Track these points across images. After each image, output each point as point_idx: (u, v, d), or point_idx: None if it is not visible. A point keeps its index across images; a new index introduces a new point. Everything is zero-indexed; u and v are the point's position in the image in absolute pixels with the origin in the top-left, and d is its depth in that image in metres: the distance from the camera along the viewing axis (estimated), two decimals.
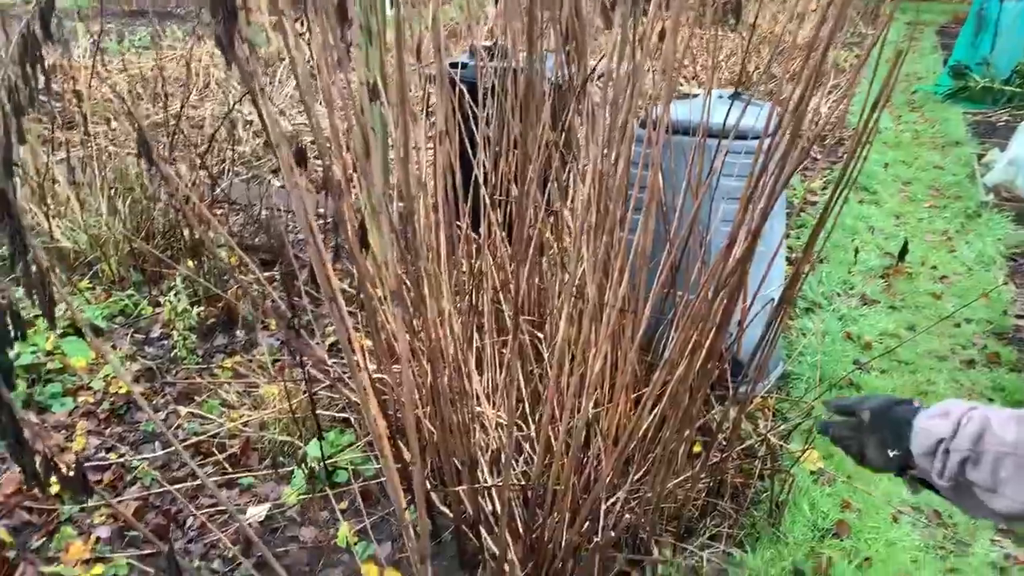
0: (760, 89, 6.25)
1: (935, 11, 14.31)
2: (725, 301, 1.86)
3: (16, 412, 1.50)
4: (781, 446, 2.33)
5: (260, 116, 1.67)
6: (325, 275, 1.55)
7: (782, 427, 2.46)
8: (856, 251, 3.84)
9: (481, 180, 2.48)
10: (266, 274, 3.51)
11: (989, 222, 4.27)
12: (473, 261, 2.51)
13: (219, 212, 3.82)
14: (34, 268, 1.69)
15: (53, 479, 1.68)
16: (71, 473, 1.60)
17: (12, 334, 1.59)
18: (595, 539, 1.86)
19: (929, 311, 3.44)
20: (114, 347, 2.90)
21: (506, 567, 1.88)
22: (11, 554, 2.00)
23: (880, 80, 1.76)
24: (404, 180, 1.85)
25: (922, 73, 8.53)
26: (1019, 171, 4.56)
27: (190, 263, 3.32)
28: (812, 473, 2.38)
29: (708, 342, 1.96)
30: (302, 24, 2.37)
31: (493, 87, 2.62)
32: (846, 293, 3.59)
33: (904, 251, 2.86)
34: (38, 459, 1.56)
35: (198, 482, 2.30)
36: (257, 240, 3.69)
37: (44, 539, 2.07)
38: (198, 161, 3.56)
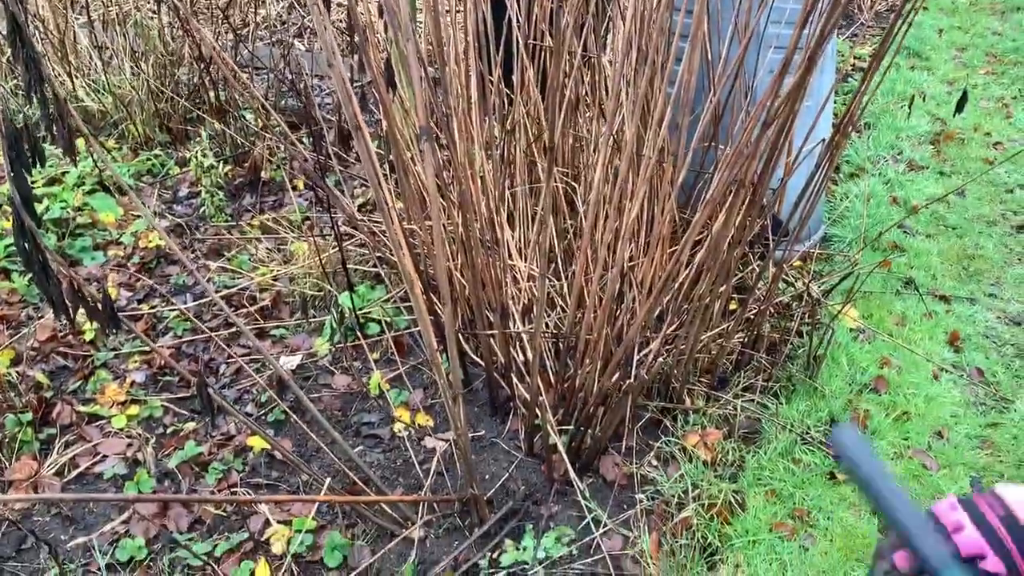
0: None
1: None
2: (771, 140, 1.76)
3: (40, 240, 1.48)
4: (820, 301, 2.27)
5: None
6: (352, 110, 1.47)
7: (822, 283, 2.40)
8: (912, 101, 3.65)
9: (514, 22, 2.35)
10: (294, 135, 3.44)
11: None
12: (505, 111, 2.41)
13: (244, 75, 3.72)
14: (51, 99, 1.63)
15: (82, 314, 1.67)
16: (99, 305, 1.59)
17: (32, 158, 1.55)
18: (627, 383, 1.84)
19: (980, 177, 3.29)
20: (143, 203, 2.87)
21: (537, 411, 1.87)
22: (48, 395, 2.03)
23: None
24: (433, 7, 1.75)
25: None
26: None
27: (216, 125, 3.25)
28: (851, 330, 2.32)
29: (751, 187, 1.88)
30: None
31: None
32: (894, 158, 3.44)
33: (963, 102, 2.71)
34: (64, 289, 1.55)
35: (230, 331, 2.30)
36: (284, 103, 3.61)
37: (80, 382, 2.10)
38: (222, 18, 3.44)
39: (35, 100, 1.59)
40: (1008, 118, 3.83)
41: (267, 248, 2.64)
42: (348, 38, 3.47)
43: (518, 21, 2.39)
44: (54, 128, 1.63)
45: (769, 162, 1.82)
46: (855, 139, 3.52)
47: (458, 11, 2.38)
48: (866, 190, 3.09)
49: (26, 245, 1.44)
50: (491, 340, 2.01)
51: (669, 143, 2.09)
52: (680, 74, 2.05)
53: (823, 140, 1.98)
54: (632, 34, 1.93)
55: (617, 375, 1.86)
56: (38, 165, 1.51)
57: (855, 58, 4.58)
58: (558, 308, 2.31)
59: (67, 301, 1.50)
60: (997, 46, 4.81)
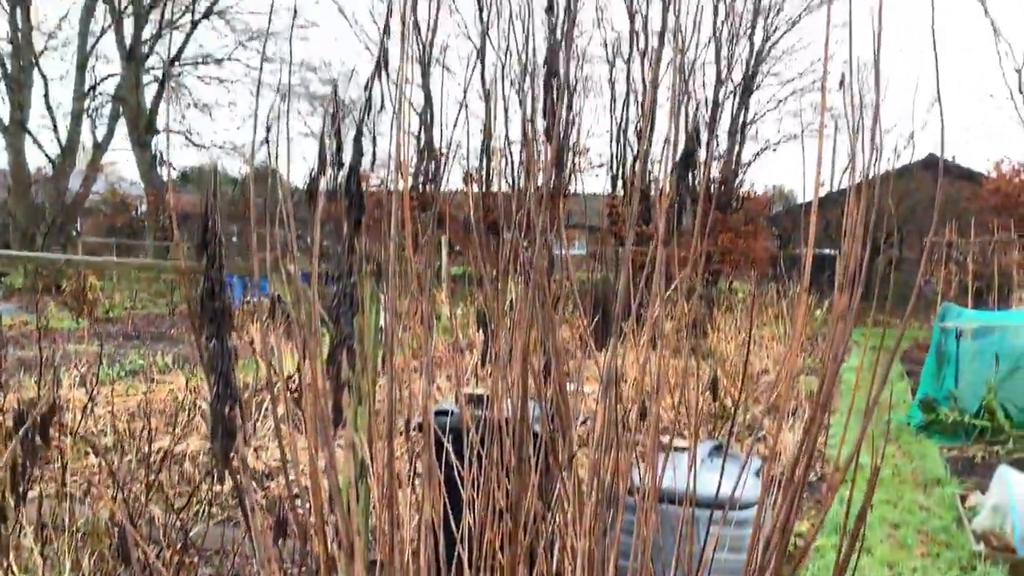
0: (740, 423, 6.40)
1: (896, 337, 15.10)
2: None
3: None
4: None
5: (246, 521, 1.65)
6: None
7: None
8: None
9: (465, 557, 2.40)
10: None
11: (986, 575, 4.15)
12: None
13: (188, 561, 3.65)
14: None
15: None
16: None
17: None
18: None
19: None
20: None
21: None
22: None
23: (856, 414, 1.81)
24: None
25: (893, 402, 8.79)
26: (1004, 518, 4.53)
27: None
28: None
29: None
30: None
31: (481, 441, 2.64)
32: None
33: None
34: None
35: None
36: None
37: None
38: (173, 516, 3.47)
39: None
40: None
41: None
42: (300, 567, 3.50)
43: (469, 558, 2.45)
44: None
45: None
46: None
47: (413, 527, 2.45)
48: None
49: None
50: None
51: None
52: None
53: None
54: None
55: None
56: None
57: (796, 535, 4.71)
58: None
59: None
60: (927, 523, 5.02)
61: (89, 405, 4.27)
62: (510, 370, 2.60)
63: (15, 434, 1.68)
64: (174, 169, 29.62)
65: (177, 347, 9.90)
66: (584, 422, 3.18)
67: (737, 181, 21.69)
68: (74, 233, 26.39)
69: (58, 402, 4.44)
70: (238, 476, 1.43)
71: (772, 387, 5.21)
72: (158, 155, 25.81)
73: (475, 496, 2.60)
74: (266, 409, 5.69)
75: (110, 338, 10.68)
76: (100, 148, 26.96)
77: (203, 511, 4.14)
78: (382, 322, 2.99)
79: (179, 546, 3.50)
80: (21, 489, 1.59)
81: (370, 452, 2.46)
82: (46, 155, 25.74)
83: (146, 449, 4.22)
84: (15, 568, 3.31)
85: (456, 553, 2.42)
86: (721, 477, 2.50)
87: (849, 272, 1.95)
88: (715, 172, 19.19)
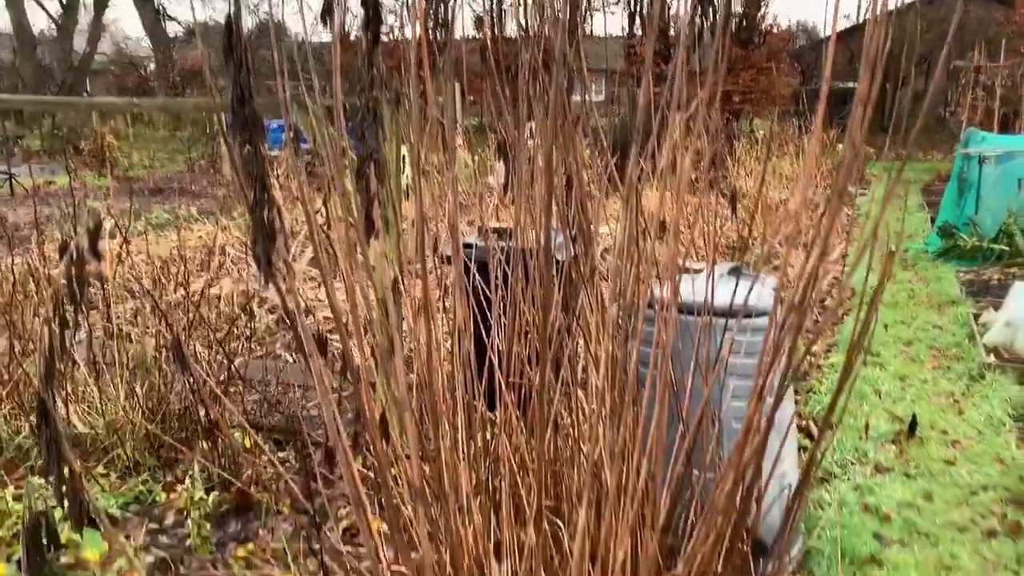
0: (757, 254, 6.48)
1: (917, 169, 14.97)
2: (743, 491, 1.89)
3: None
4: None
5: (293, 328, 1.76)
6: (352, 478, 1.59)
7: None
8: (867, 426, 3.87)
9: (496, 364, 2.55)
10: (280, 455, 3.53)
11: (993, 383, 4.32)
12: (489, 443, 2.54)
13: (234, 390, 3.88)
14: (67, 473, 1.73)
15: None
16: None
17: (47, 545, 1.62)
18: None
19: (943, 478, 3.42)
20: (128, 537, 2.88)
21: None
22: None
23: (876, 244, 1.86)
24: (427, 373, 1.92)
25: (911, 231, 8.82)
26: (1017, 331, 4.66)
27: (204, 445, 3.34)
28: None
29: (729, 531, 1.97)
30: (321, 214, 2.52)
31: (504, 272, 2.74)
32: (859, 461, 3.59)
33: (913, 425, 2.90)
34: None
35: None
36: (271, 419, 3.73)
37: None
38: (215, 345, 3.65)
39: (51, 476, 1.68)
40: (960, 414, 4.05)
41: None
42: (341, 375, 3.69)
43: (499, 361, 2.60)
44: (66, 504, 1.70)
45: (745, 510, 1.93)
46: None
47: (446, 348, 2.59)
48: (837, 497, 3.19)
49: None
50: None
51: (648, 486, 2.21)
52: (652, 425, 2.22)
53: (789, 484, 2.10)
54: (605, 383, 2.11)
55: None
56: (52, 552, 1.58)
57: (810, 355, 4.89)
58: None
59: None
60: (939, 340, 5.18)
61: (123, 250, 4.41)
62: (532, 190, 2.66)
63: (61, 259, 1.76)
64: (179, 23, 28.83)
65: (200, 201, 10.02)
66: (603, 253, 3.25)
67: (759, 15, 20.84)
68: (83, 95, 26.10)
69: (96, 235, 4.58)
70: (280, 281, 1.52)
71: (788, 218, 5.26)
72: (161, 9, 25.06)
73: (502, 316, 2.73)
74: (299, 251, 5.84)
75: (134, 195, 10.81)
76: (102, 3, 26.20)
77: (242, 347, 4.34)
78: (403, 151, 3.03)
79: (224, 376, 3.71)
80: (77, 302, 1.69)
81: (400, 270, 2.57)
82: (47, 13, 25.09)
83: (182, 291, 4.39)
84: (72, 398, 3.54)
85: (488, 362, 2.57)
86: (736, 289, 2.59)
87: (861, 93, 1.94)
88: (736, 6, 18.41)
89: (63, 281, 1.73)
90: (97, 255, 1.75)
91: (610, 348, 2.10)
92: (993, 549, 2.93)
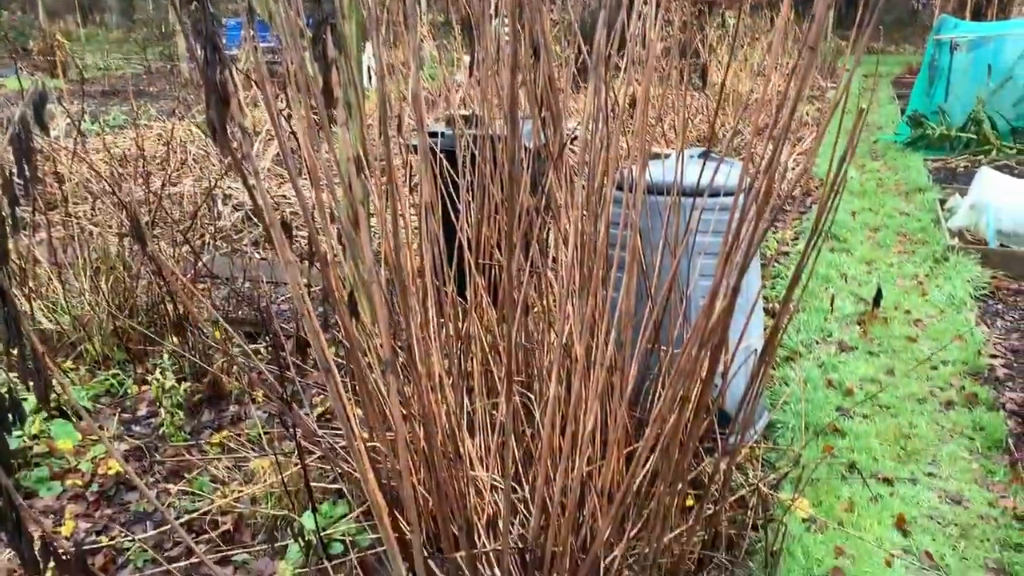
0: (728, 146, 6.44)
1: (889, 63, 14.85)
2: (709, 356, 1.91)
3: (16, 498, 1.51)
4: (771, 495, 2.36)
5: (251, 196, 1.72)
6: (320, 347, 1.58)
7: (771, 476, 2.50)
8: (832, 300, 3.93)
9: (465, 246, 2.54)
10: (251, 346, 3.52)
11: (957, 265, 4.39)
12: (460, 324, 2.55)
13: (201, 287, 3.84)
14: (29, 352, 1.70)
15: (51, 565, 1.68)
16: (69, 557, 1.60)
17: (10, 419, 1.60)
18: None
19: (905, 355, 3.51)
20: (101, 428, 2.88)
21: None
22: None
23: (844, 133, 1.85)
24: (395, 250, 1.90)
25: (881, 123, 8.81)
26: (981, 214, 4.71)
27: (175, 339, 3.32)
28: (804, 521, 2.40)
29: (695, 397, 2.00)
30: (282, 101, 2.45)
31: (472, 155, 2.69)
32: (824, 340, 3.66)
33: (878, 297, 2.94)
34: (36, 544, 1.56)
35: (192, 560, 2.28)
36: (241, 313, 3.71)
37: None
38: (180, 237, 3.59)
39: (13, 354, 1.66)
40: (924, 295, 4.13)
41: (227, 466, 2.65)
42: (308, 260, 3.65)
43: (468, 243, 2.59)
44: (29, 380, 1.69)
45: (710, 374, 1.96)
46: (787, 325, 3.75)
47: (414, 232, 2.56)
48: (802, 375, 3.27)
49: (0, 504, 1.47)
50: (458, 559, 2.03)
51: (616, 352, 2.23)
52: (621, 292, 2.23)
53: (756, 351, 2.13)
54: (574, 257, 2.10)
55: None
56: (18, 424, 1.57)
57: (778, 242, 4.93)
58: (521, 514, 2.35)
59: (38, 557, 1.52)
60: (906, 226, 5.23)
61: (79, 148, 4.27)
62: (496, 69, 2.59)
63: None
64: None
65: (159, 103, 9.71)
66: (574, 139, 3.20)
67: None
68: None
69: (49, 146, 4.43)
70: (235, 149, 1.47)
71: (759, 107, 5.20)
72: None
73: (471, 199, 2.69)
74: (263, 148, 5.71)
75: (89, 97, 10.43)
76: None
77: (208, 243, 4.29)
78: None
79: (191, 272, 3.67)
80: (26, 177, 1.63)
81: (363, 151, 2.51)
82: None
83: (144, 186, 4.29)
84: (34, 295, 3.48)
85: (457, 245, 2.56)
86: (702, 170, 2.56)
87: None
88: None
89: (10, 156, 1.67)
90: (44, 127, 1.68)
91: (579, 220, 2.09)
92: (950, 418, 3.03)
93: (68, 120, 6.50)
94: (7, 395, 1.53)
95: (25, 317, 3.41)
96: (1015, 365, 3.42)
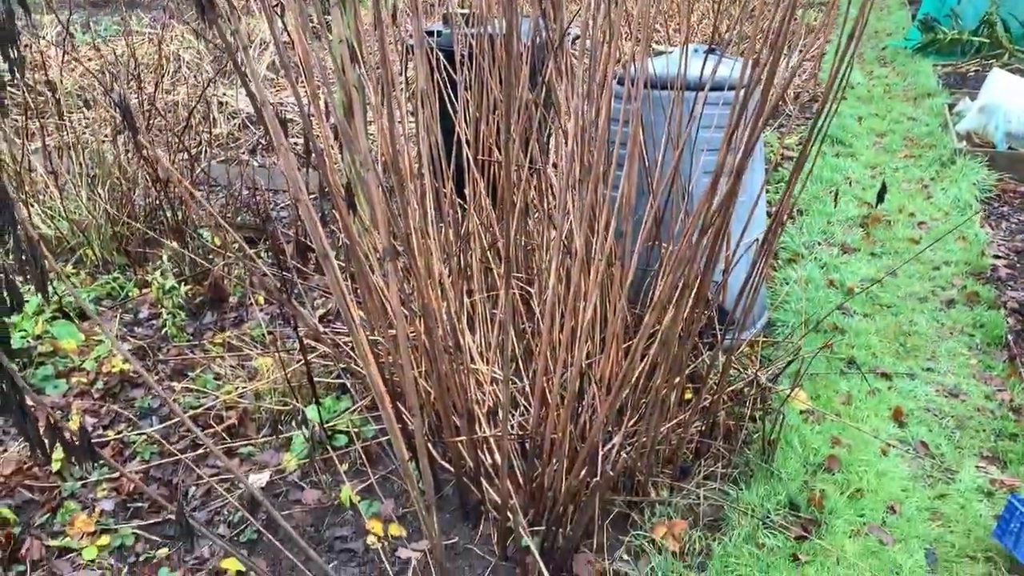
0: (732, 49, 6.28)
1: None
2: (710, 243, 1.90)
3: (18, 381, 1.52)
4: (770, 387, 2.38)
5: (245, 85, 1.68)
6: (318, 234, 1.56)
7: (770, 369, 2.51)
8: (836, 195, 3.89)
9: (464, 142, 2.50)
10: (252, 251, 3.51)
11: (964, 168, 4.33)
12: (460, 222, 2.53)
13: (199, 193, 3.81)
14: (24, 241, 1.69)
15: (57, 449, 1.70)
16: (76, 440, 1.62)
17: (9, 302, 1.60)
18: (594, 481, 1.90)
19: (908, 256, 3.50)
20: (104, 327, 2.89)
21: (509, 515, 1.91)
22: (16, 530, 2.01)
23: (848, 34, 1.79)
24: (390, 138, 1.87)
25: (891, 29, 8.58)
26: (990, 117, 4.62)
27: (174, 244, 3.31)
28: (801, 412, 2.43)
29: (695, 285, 2.00)
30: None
31: (471, 53, 2.62)
32: (827, 243, 3.64)
33: (883, 193, 2.91)
34: (41, 428, 1.58)
35: (197, 452, 2.32)
36: (240, 219, 3.69)
37: (48, 515, 2.09)
38: (176, 143, 3.54)
39: (8, 242, 1.65)
40: (928, 198, 4.09)
41: (231, 365, 2.68)
42: (305, 158, 3.60)
43: (467, 139, 2.55)
44: (26, 270, 1.68)
45: (710, 262, 1.95)
46: (790, 226, 3.72)
47: (411, 127, 2.52)
48: (803, 275, 3.26)
49: (3, 386, 1.48)
50: (459, 445, 2.06)
51: (616, 248, 2.22)
52: (622, 181, 2.20)
53: (757, 240, 2.12)
54: (575, 147, 2.07)
55: (584, 472, 1.92)
56: (16, 308, 1.56)
57: (784, 147, 4.85)
58: (521, 407, 2.37)
59: (44, 439, 1.54)
60: (913, 131, 5.15)
61: (69, 56, 4.17)
62: None
63: None
64: None
65: (152, 13, 9.47)
66: (575, 40, 3.11)
67: None
68: None
69: (39, 53, 4.33)
70: (223, 30, 1.42)
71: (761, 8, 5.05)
72: None
73: (469, 97, 2.64)
74: (255, 55, 5.58)
75: (78, 7, 10.17)
76: None
77: (204, 150, 4.23)
78: None
79: (189, 176, 3.63)
80: (10, 58, 1.59)
81: (357, 40, 2.44)
82: None
83: (137, 91, 4.21)
84: (32, 200, 3.46)
85: (456, 142, 2.52)
86: (704, 65, 2.50)
87: None
88: None
89: None
90: (24, 5, 1.64)
91: (580, 109, 2.04)
92: (951, 316, 3.03)
93: (58, 28, 6.36)
94: (3, 276, 1.52)
95: (24, 221, 3.39)
96: (1018, 265, 3.41)
